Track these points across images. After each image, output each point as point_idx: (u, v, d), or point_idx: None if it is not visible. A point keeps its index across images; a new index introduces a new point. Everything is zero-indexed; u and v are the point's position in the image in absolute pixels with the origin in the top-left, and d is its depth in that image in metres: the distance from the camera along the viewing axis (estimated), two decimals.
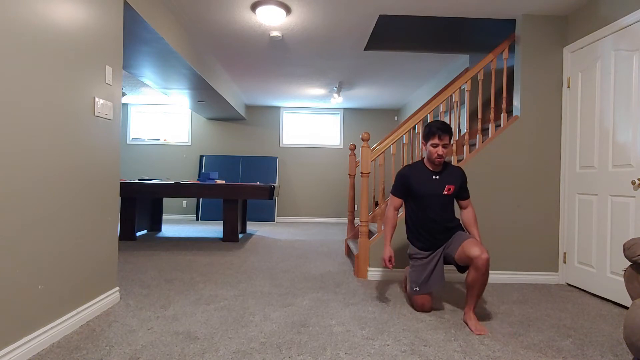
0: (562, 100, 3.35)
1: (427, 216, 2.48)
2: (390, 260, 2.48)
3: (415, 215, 2.54)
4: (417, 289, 2.48)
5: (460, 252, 2.31)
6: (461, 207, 2.60)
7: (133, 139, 7.95)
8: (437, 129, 2.39)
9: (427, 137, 2.45)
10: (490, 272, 3.31)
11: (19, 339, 1.71)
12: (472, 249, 2.23)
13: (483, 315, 2.46)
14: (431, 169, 2.51)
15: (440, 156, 2.42)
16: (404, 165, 2.69)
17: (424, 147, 2.51)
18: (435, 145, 2.41)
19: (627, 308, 2.69)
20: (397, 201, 2.59)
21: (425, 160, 2.55)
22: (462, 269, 2.42)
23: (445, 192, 2.47)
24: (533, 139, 3.35)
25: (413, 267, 2.55)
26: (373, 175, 5.55)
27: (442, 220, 2.47)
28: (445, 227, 2.48)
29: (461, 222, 2.58)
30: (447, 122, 5.21)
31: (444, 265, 2.55)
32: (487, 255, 2.18)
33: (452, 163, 3.47)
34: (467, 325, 2.24)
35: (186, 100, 6.18)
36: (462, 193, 2.56)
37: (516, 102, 3.41)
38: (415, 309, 2.53)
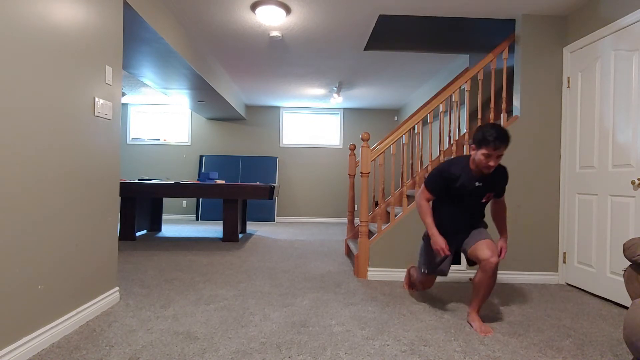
0: (562, 100, 3.35)
1: (457, 216, 2.37)
2: (447, 247, 2.29)
3: (445, 211, 2.40)
4: (426, 271, 2.47)
5: (473, 249, 2.29)
6: (494, 201, 2.47)
7: (133, 139, 7.94)
8: (494, 139, 2.06)
9: (479, 143, 2.13)
10: None
11: (18, 339, 1.71)
12: (484, 251, 2.19)
13: (483, 315, 2.45)
14: (475, 174, 2.26)
15: (490, 167, 2.15)
16: (447, 159, 2.42)
17: (473, 151, 2.21)
18: (487, 156, 2.12)
19: (626, 308, 2.69)
20: (430, 196, 2.39)
21: (471, 160, 2.26)
22: (471, 262, 2.43)
23: (484, 200, 2.34)
24: (533, 139, 3.35)
25: (426, 249, 2.48)
26: (373, 175, 5.55)
27: (470, 219, 2.38)
28: (471, 224, 2.39)
29: (491, 211, 2.48)
30: (447, 122, 5.21)
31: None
32: (496, 259, 2.15)
33: None
34: (472, 326, 2.23)
35: (186, 100, 6.18)
36: (499, 192, 2.38)
37: (516, 102, 3.41)
38: (417, 288, 2.65)
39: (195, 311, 2.42)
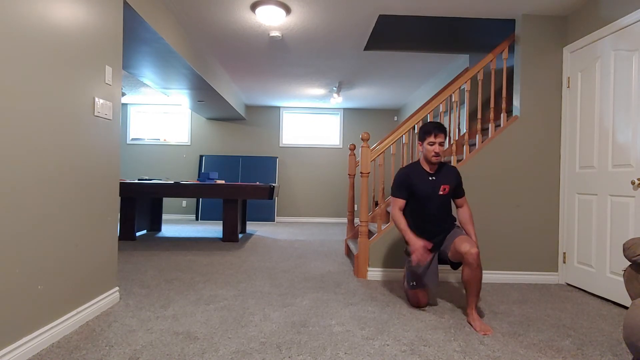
0: (561, 100, 3.35)
1: (424, 216, 2.53)
2: (427, 244, 2.42)
3: (413, 215, 2.57)
4: (414, 283, 2.54)
5: (452, 249, 2.41)
6: (457, 206, 2.64)
7: (133, 139, 7.94)
8: (433, 128, 2.46)
9: (423, 136, 2.50)
10: (490, 272, 3.33)
11: (18, 339, 1.71)
12: (462, 245, 2.31)
13: (483, 315, 2.46)
14: (427, 170, 2.55)
15: (437, 154, 2.46)
16: (402, 166, 2.71)
17: (420, 148, 2.56)
18: (431, 144, 2.46)
19: (626, 308, 2.69)
20: (401, 202, 2.59)
21: (421, 160, 2.59)
22: (455, 265, 2.52)
23: (441, 193, 2.52)
24: (533, 139, 3.35)
25: (409, 263, 2.59)
26: (373, 175, 5.55)
27: (438, 220, 2.53)
28: (442, 227, 2.52)
29: (457, 220, 2.62)
30: (447, 122, 5.22)
31: (440, 265, 2.60)
32: (476, 250, 2.25)
33: (451, 163, 3.48)
34: (472, 327, 2.24)
35: (186, 100, 6.17)
36: (457, 192, 2.60)
37: (516, 102, 3.41)
38: (411, 304, 2.62)
39: (195, 311, 2.42)
